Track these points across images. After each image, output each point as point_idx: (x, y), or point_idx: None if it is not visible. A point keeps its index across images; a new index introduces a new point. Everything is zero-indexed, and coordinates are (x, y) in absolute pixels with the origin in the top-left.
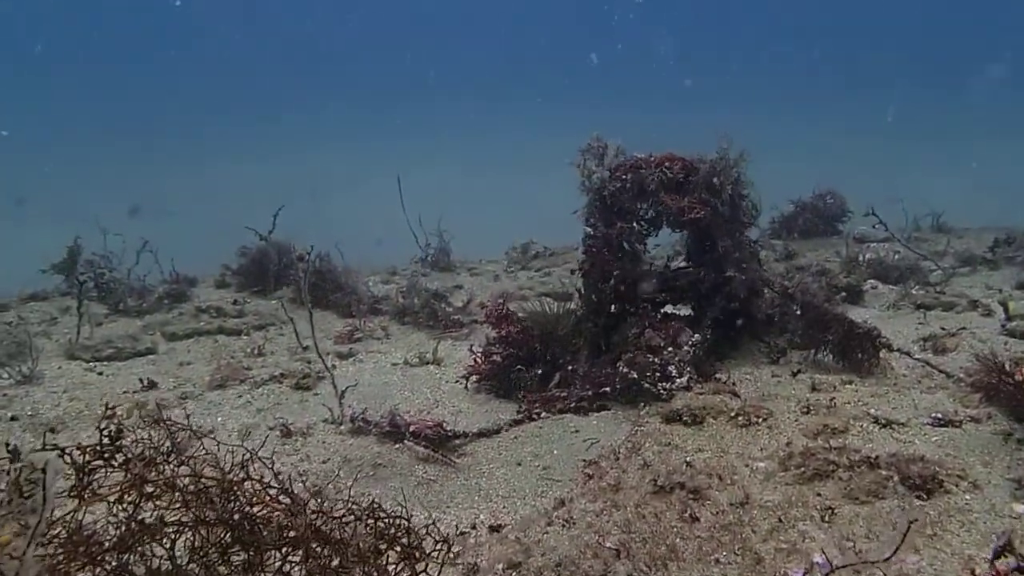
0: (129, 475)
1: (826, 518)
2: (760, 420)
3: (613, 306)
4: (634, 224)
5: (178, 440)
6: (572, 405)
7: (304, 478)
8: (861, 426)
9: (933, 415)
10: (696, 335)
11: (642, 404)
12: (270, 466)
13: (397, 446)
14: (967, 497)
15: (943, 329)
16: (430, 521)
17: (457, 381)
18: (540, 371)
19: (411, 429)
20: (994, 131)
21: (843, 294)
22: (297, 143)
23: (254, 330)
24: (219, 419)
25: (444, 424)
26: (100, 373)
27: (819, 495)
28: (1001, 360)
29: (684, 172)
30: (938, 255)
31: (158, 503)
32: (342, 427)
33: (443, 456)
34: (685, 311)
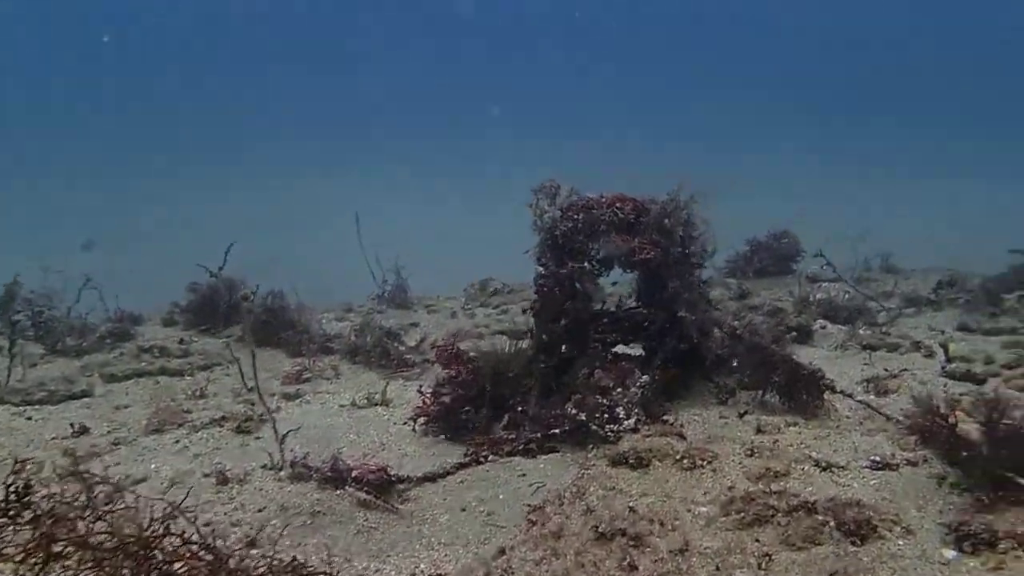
0: (36, 533)
1: (763, 565)
2: (705, 463)
3: (564, 346)
4: (585, 264)
5: (95, 494)
6: (520, 447)
7: (237, 528)
8: (802, 469)
9: (871, 458)
10: (644, 376)
11: (591, 446)
12: (192, 520)
13: (338, 492)
14: (900, 543)
15: (886, 370)
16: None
17: (405, 423)
18: (489, 412)
19: (353, 474)
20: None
21: (793, 334)
22: (264, 176)
23: (199, 370)
24: (152, 466)
25: (388, 469)
26: (29, 418)
27: (757, 541)
28: (936, 403)
29: (635, 213)
30: (886, 295)
31: (67, 563)
32: (282, 473)
33: (385, 502)
34: (638, 351)
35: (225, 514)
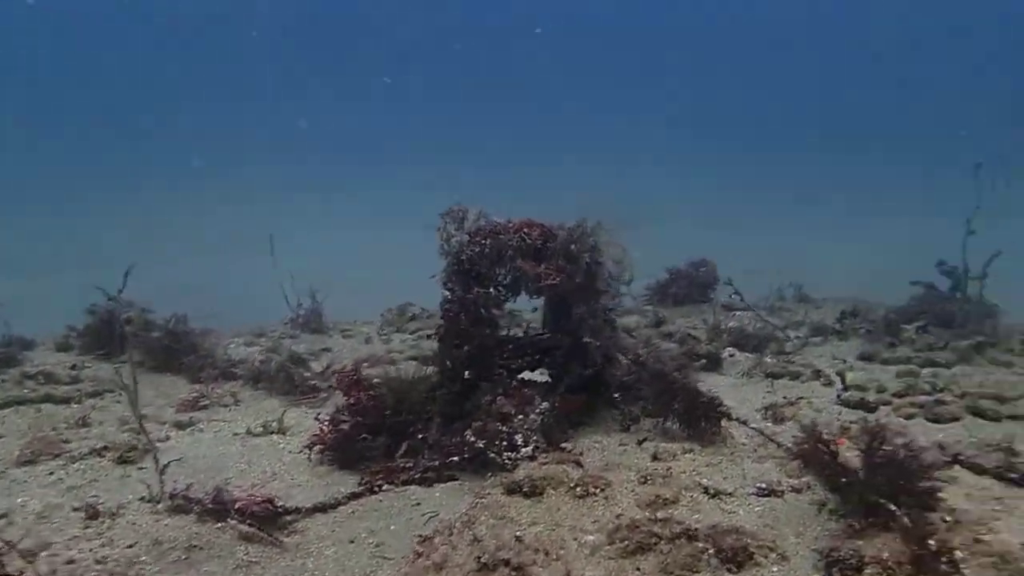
0: None
1: None
2: (598, 491)
3: (468, 372)
4: (492, 289)
5: None
6: (417, 476)
7: (101, 565)
8: (691, 496)
9: (758, 485)
10: (544, 403)
11: (489, 474)
12: (30, 559)
13: (219, 525)
14: (774, 569)
15: (784, 398)
16: None
17: (301, 452)
18: (388, 440)
19: (237, 506)
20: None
21: (703, 361)
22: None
23: (88, 398)
24: (19, 500)
25: (275, 500)
26: None
27: (639, 570)
28: (820, 430)
29: (542, 239)
30: (796, 325)
31: None
32: (160, 506)
33: (269, 535)
34: (545, 378)
35: (90, 551)
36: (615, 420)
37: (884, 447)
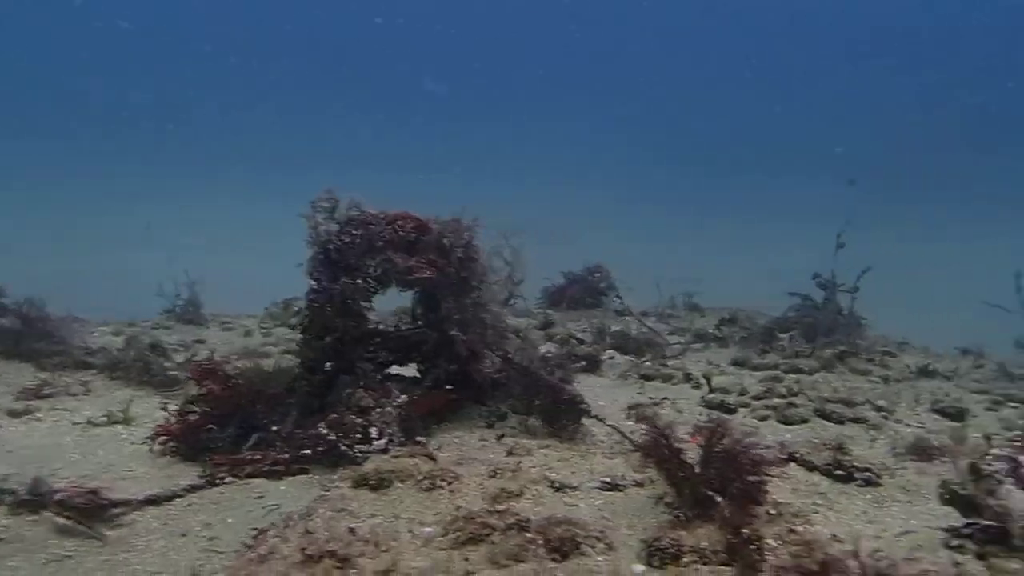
0: None
1: None
2: (445, 484)
3: (328, 364)
4: (359, 281)
5: None
6: (264, 469)
7: None
8: (536, 490)
9: (602, 479)
10: (403, 396)
11: (342, 468)
12: None
13: (34, 518)
14: (599, 559)
15: (650, 398)
16: None
17: (144, 443)
18: (236, 431)
19: (56, 497)
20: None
21: (583, 363)
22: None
23: None
24: None
25: (100, 491)
26: None
27: (466, 560)
28: (662, 426)
29: (416, 232)
30: (682, 331)
31: None
32: None
33: (90, 528)
34: (414, 373)
35: None
36: (481, 416)
37: (722, 443)
